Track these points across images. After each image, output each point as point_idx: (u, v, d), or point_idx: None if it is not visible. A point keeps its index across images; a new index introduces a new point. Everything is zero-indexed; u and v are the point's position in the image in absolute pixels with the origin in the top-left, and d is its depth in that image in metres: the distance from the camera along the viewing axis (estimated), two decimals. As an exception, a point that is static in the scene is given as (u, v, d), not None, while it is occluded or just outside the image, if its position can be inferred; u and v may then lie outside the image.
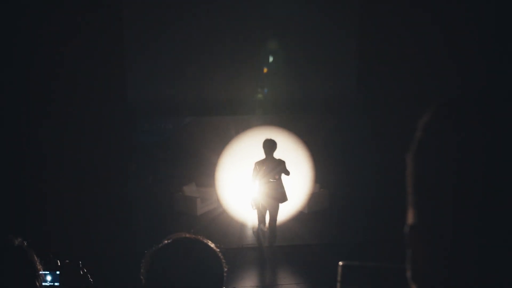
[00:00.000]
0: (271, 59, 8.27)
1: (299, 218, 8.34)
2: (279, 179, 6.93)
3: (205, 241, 1.60)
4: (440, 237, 0.51)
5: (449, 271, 0.50)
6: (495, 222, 0.47)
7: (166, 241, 1.57)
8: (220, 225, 8.08)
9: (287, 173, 6.88)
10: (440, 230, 0.50)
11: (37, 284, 1.52)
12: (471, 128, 0.49)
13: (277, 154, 7.03)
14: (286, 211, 7.75)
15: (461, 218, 0.48)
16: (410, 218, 0.54)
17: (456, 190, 0.49)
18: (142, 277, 1.54)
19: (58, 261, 2.16)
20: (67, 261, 2.16)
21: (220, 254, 1.58)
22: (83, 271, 2.14)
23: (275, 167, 6.82)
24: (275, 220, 7.02)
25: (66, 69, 7.56)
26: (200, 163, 8.60)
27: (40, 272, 1.55)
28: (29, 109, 7.51)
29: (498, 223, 0.47)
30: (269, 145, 6.85)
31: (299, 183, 8.43)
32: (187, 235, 1.60)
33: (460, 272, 0.49)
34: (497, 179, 0.47)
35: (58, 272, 2.14)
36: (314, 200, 8.66)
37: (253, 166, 7.01)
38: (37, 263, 1.55)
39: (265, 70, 8.31)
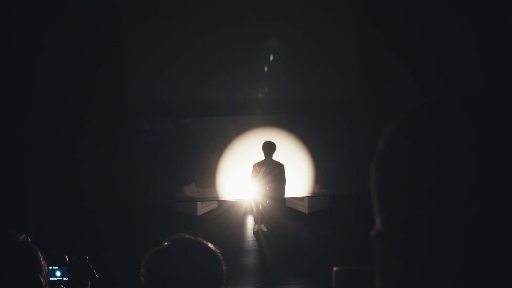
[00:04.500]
0: (271, 58, 8.27)
1: (300, 218, 8.34)
2: (280, 180, 6.94)
3: (205, 242, 1.60)
4: (404, 243, 0.52)
5: (416, 279, 0.51)
6: (457, 230, 0.48)
7: (166, 242, 1.57)
8: (220, 225, 8.08)
9: (283, 177, 6.89)
10: (405, 237, 0.52)
11: (41, 279, 1.53)
12: (431, 138, 0.51)
13: (277, 155, 7.05)
14: (286, 212, 7.75)
15: (423, 225, 0.49)
16: (377, 224, 0.56)
17: (416, 198, 0.51)
18: (141, 277, 1.54)
19: (66, 256, 2.23)
20: (75, 257, 2.22)
21: (219, 255, 1.58)
22: (89, 266, 2.20)
23: (273, 169, 6.86)
24: (275, 219, 7.06)
25: (66, 69, 7.57)
26: (200, 163, 8.60)
27: (45, 268, 1.56)
28: (30, 110, 7.52)
29: (461, 231, 0.48)
30: (269, 147, 6.91)
31: (299, 183, 8.43)
32: (187, 236, 1.61)
33: (426, 279, 0.50)
34: (457, 188, 0.48)
35: (66, 268, 2.22)
36: (314, 200, 8.67)
37: (252, 167, 7.05)
38: (41, 259, 1.56)
39: (266, 69, 8.31)
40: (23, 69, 7.29)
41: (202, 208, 8.64)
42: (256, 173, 6.97)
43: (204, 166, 8.62)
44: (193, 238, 1.60)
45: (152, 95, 8.17)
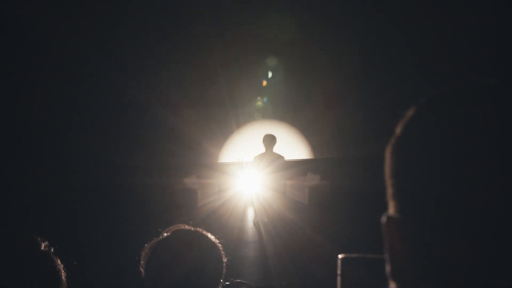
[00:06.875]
0: (270, 74, 8.39)
1: (300, 209, 8.36)
2: (280, 172, 6.97)
3: (205, 233, 1.60)
4: (418, 230, 0.52)
5: (427, 266, 0.51)
6: (473, 217, 0.47)
7: (166, 233, 1.57)
8: (221, 217, 8.10)
9: (283, 169, 6.94)
10: (418, 223, 0.52)
11: None
12: (451, 124, 0.51)
13: (278, 147, 7.07)
14: (286, 202, 7.76)
15: (440, 211, 0.49)
16: (390, 209, 0.56)
17: (434, 184, 0.50)
18: (141, 269, 1.54)
19: None
20: None
21: (219, 246, 1.58)
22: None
23: (273, 161, 6.90)
24: (275, 210, 7.09)
25: (67, 65, 7.56)
26: (200, 155, 8.61)
27: (64, 282, 1.45)
28: (31, 107, 7.52)
29: (477, 218, 0.47)
30: (269, 140, 6.96)
31: (300, 174, 8.44)
32: (187, 227, 1.60)
33: (438, 267, 0.50)
34: (477, 174, 0.47)
35: None
36: (315, 191, 8.68)
37: (253, 160, 7.08)
38: (62, 271, 1.46)
39: (264, 83, 8.44)
40: (24, 68, 7.29)
41: (202, 199, 8.66)
42: (257, 165, 7.00)
43: (204, 158, 8.64)
44: (193, 229, 1.60)
45: (154, 89, 8.18)
